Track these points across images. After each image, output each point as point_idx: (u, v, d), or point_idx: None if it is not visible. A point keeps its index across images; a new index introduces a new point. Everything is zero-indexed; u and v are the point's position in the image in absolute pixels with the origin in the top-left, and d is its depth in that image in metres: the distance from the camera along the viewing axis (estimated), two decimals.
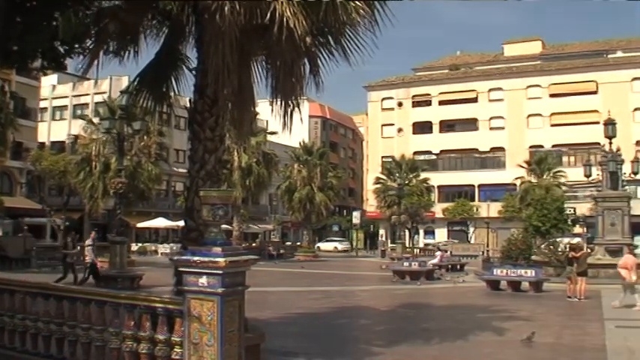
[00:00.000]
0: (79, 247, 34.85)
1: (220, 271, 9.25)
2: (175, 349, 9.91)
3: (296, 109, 14.37)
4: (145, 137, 58.28)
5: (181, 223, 14.47)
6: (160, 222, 76.93)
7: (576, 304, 28.80)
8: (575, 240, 51.29)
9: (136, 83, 15.50)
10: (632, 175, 47.86)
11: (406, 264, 45.15)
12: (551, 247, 45.15)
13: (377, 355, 15.95)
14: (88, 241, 34.09)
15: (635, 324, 21.75)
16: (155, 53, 15.02)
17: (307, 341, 18.06)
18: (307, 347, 16.82)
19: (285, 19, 11.84)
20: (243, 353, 9.96)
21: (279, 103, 14.27)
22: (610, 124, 45.76)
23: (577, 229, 71.21)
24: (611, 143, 45.33)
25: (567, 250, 35.87)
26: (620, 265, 28.43)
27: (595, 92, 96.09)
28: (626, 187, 47.77)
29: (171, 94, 15.45)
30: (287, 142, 74.61)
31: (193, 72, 14.32)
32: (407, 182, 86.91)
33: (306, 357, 15.42)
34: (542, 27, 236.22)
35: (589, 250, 40.84)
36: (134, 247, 69.52)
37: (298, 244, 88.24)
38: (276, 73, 14.18)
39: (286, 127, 14.37)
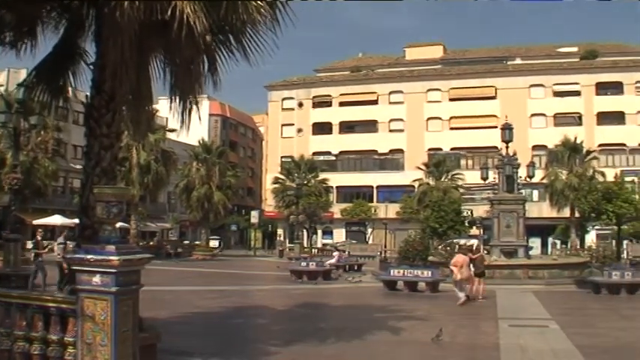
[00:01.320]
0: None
1: (114, 270, 9.14)
2: (68, 350, 9.75)
3: (195, 106, 14.32)
4: (42, 132, 57.24)
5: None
6: (57, 219, 75.21)
7: (473, 303, 29.24)
8: (472, 241, 52.12)
9: (32, 76, 15.11)
10: (528, 179, 48.84)
11: (304, 264, 45.20)
12: (448, 248, 45.75)
13: (273, 354, 15.91)
14: (60, 239, 33.34)
15: (528, 323, 22.24)
16: (53, 46, 14.70)
17: (204, 341, 17.95)
18: (203, 347, 16.71)
19: (185, 16, 11.76)
20: (138, 353, 9.85)
21: (177, 100, 14.20)
22: (507, 128, 46.72)
23: (474, 231, 72.51)
24: (507, 147, 46.26)
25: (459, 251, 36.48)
26: (452, 263, 30.65)
27: (494, 97, 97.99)
28: (522, 191, 48.66)
29: (69, 88, 15.15)
30: (186, 140, 73.84)
31: (91, 67, 14.04)
32: (305, 182, 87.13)
33: (202, 357, 15.29)
34: (445, 32, 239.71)
35: (485, 252, 41.61)
36: (29, 244, 67.87)
37: (196, 243, 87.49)
38: (175, 70, 14.13)
39: (184, 125, 14.33)
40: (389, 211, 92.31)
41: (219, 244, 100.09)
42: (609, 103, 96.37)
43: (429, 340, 17.71)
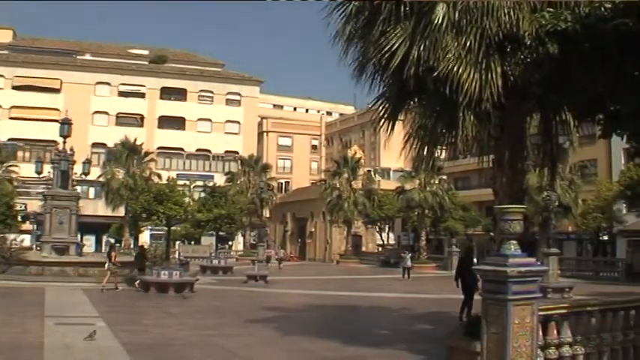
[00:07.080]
0: None
1: None
2: None
3: None
4: None
5: None
6: None
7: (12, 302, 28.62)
8: (22, 237, 51.31)
9: None
10: (83, 176, 48.83)
11: None
12: None
13: None
14: None
15: (75, 321, 22.28)
16: None
17: None
18: None
19: None
20: None
21: None
22: (66, 123, 46.37)
23: (27, 226, 71.14)
24: (65, 142, 45.89)
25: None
26: None
27: (59, 91, 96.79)
28: (77, 187, 48.63)
29: None
30: None
31: None
32: None
33: None
34: (21, 18, 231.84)
35: (37, 248, 41.08)
36: None
37: None
38: None
39: None
40: None
41: None
42: (172, 108, 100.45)
43: (94, 339, 17.64)
